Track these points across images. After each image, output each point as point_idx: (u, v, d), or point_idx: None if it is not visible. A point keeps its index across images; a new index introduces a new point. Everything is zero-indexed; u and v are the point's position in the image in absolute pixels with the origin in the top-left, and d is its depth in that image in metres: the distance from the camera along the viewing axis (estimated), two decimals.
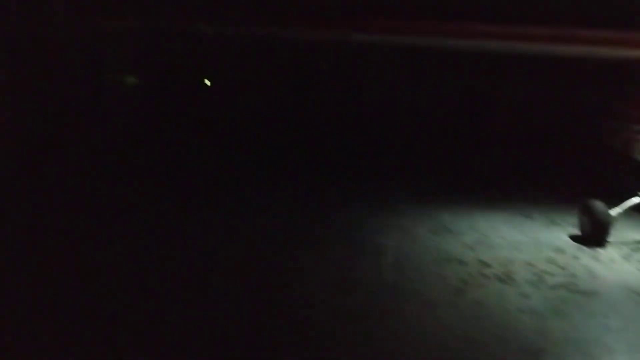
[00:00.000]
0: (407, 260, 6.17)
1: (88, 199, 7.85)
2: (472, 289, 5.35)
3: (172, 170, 9.94)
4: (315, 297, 5.05)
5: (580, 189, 8.82)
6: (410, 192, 9.80)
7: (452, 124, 15.80)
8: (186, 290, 5.06)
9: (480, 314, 4.81)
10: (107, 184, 8.53)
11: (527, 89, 16.72)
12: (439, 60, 15.42)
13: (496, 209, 8.54)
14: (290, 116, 14.62)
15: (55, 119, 9.09)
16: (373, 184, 10.55)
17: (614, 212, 6.86)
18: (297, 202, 8.80)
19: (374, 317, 4.67)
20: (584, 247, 6.72)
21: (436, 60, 15.41)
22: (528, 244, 6.85)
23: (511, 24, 6.28)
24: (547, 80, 15.21)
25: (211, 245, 6.41)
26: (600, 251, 6.60)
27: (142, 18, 8.32)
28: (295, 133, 14.06)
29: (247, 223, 7.28)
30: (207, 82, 20.11)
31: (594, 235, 6.86)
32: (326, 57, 14.59)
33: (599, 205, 6.88)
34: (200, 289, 5.12)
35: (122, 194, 8.16)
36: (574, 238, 7.08)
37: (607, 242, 6.81)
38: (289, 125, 14.32)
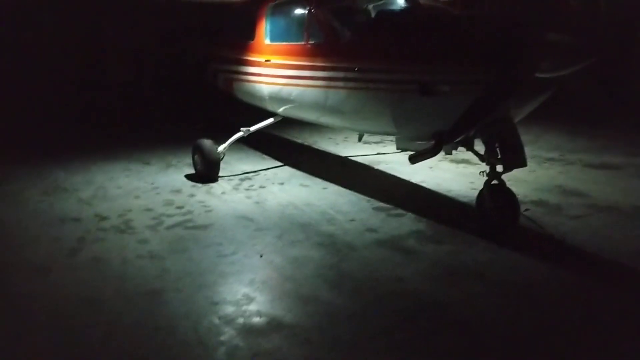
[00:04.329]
0: (13, 229, 5.51)
1: None
2: (89, 245, 5.08)
3: None
4: None
5: (194, 130, 9.24)
6: (18, 152, 8.77)
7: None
8: None
9: (98, 269, 4.60)
10: None
11: (140, 37, 16.61)
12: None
13: (114, 159, 8.31)
14: None
15: None
16: None
17: (222, 148, 7.37)
18: None
19: None
20: (199, 185, 7.06)
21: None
22: (146, 190, 6.86)
23: None
24: (160, 29, 15.33)
25: None
26: (214, 185, 7.04)
27: None
28: None
29: None
30: None
31: (206, 172, 7.28)
32: None
33: (207, 143, 7.28)
34: None
35: None
36: (189, 177, 7.39)
37: (220, 176, 7.31)
38: None
